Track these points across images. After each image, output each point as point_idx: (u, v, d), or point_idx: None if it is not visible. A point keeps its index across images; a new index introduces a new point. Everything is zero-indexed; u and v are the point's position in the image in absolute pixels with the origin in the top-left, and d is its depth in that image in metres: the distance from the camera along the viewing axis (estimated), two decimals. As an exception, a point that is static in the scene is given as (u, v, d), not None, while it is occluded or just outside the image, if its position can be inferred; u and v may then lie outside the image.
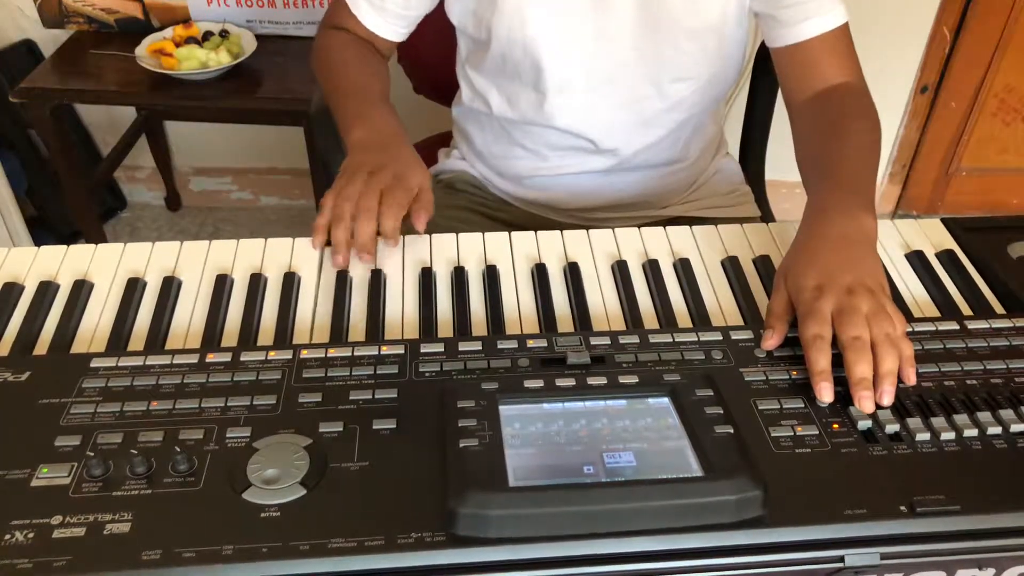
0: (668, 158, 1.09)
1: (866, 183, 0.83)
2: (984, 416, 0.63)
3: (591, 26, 0.95)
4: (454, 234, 0.88)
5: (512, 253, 0.86)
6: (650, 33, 0.96)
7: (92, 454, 0.58)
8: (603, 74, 0.99)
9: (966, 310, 0.80)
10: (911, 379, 0.66)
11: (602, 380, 0.64)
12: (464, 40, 1.07)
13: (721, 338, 0.70)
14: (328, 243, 0.84)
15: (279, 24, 1.82)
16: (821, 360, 0.67)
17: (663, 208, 1.14)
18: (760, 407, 0.64)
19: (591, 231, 0.89)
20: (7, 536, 0.53)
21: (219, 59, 1.67)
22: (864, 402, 0.64)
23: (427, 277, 0.81)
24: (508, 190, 1.15)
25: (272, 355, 0.67)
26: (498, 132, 1.09)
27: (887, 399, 0.64)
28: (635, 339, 0.70)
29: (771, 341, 0.70)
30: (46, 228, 2.04)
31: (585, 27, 0.95)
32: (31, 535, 0.53)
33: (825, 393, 0.65)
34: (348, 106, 0.98)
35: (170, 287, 0.79)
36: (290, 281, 0.80)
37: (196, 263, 0.83)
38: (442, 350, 0.68)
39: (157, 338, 0.74)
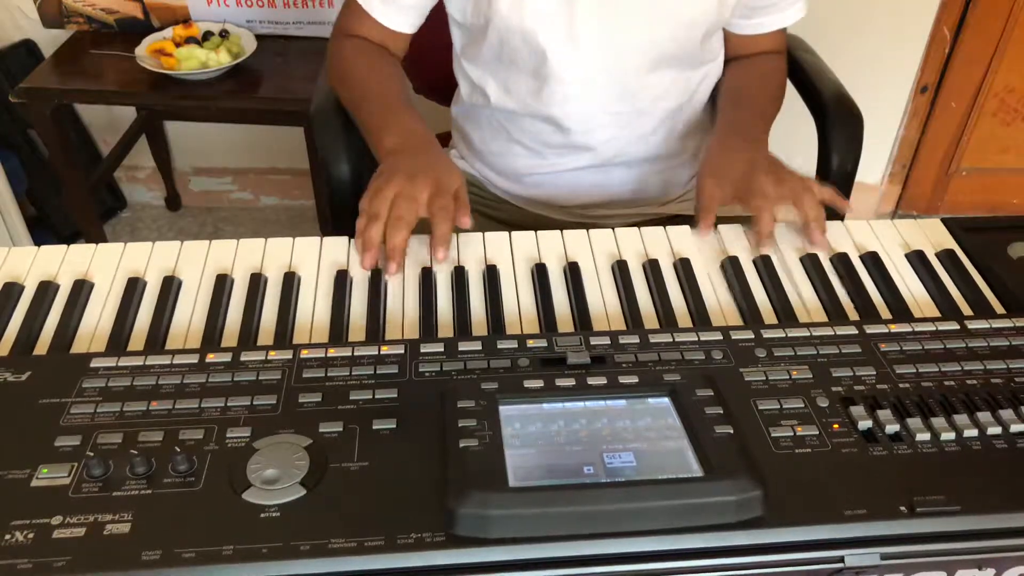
0: (664, 152, 1.10)
1: (767, 119, 1.05)
2: (984, 416, 0.63)
3: (592, 15, 0.95)
4: (454, 234, 0.88)
5: (512, 253, 0.86)
6: (649, 24, 0.97)
7: (92, 454, 0.58)
8: (601, 63, 0.99)
9: (966, 310, 0.80)
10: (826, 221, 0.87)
11: (602, 380, 0.64)
12: (460, 32, 1.07)
13: (721, 338, 0.70)
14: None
15: (279, 24, 1.82)
16: (771, 222, 0.86)
17: (663, 205, 1.14)
18: (760, 407, 0.64)
19: (591, 231, 0.89)
20: (7, 536, 0.53)
21: (219, 59, 1.67)
22: (818, 235, 0.85)
23: (427, 277, 0.81)
24: (507, 188, 1.15)
25: (272, 355, 0.67)
26: (496, 129, 1.09)
27: (821, 232, 0.86)
28: (635, 339, 0.70)
29: (707, 227, 0.88)
30: (46, 228, 2.04)
31: (586, 17, 0.95)
32: (31, 535, 0.53)
33: (771, 248, 0.85)
34: (373, 114, 0.99)
35: (170, 287, 0.79)
36: (290, 281, 0.80)
37: (196, 263, 0.83)
38: (442, 350, 0.68)
39: (157, 338, 0.74)
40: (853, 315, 0.78)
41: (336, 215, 1.09)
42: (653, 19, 0.97)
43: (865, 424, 0.62)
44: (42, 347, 0.73)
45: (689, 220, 0.92)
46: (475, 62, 1.06)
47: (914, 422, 0.62)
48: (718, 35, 1.07)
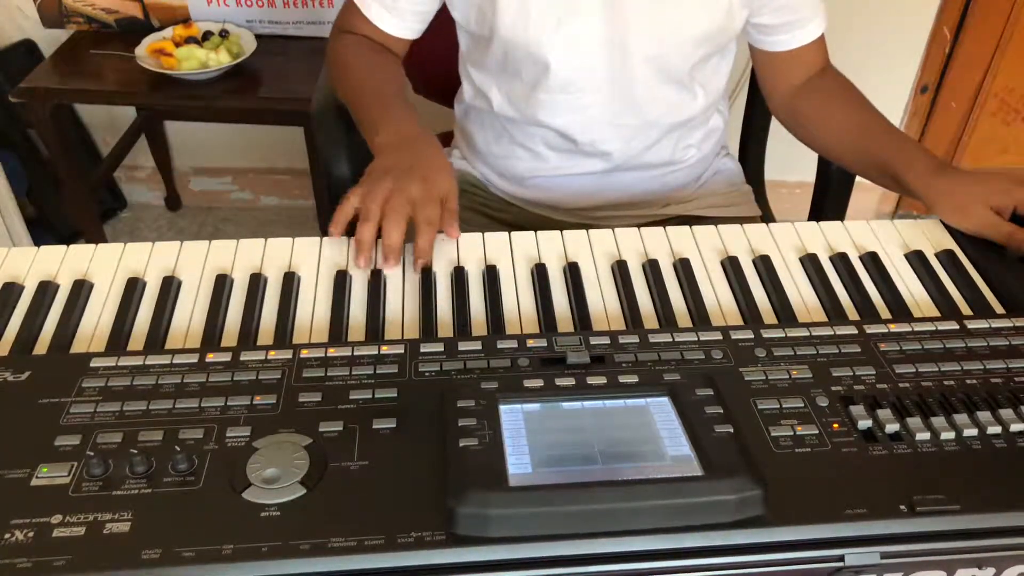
0: (667, 159, 1.10)
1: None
2: (984, 416, 0.63)
3: (598, 30, 0.95)
4: (444, 236, 0.88)
5: (512, 253, 0.86)
6: (657, 39, 0.96)
7: (92, 453, 0.58)
8: (606, 77, 0.99)
9: (966, 310, 0.80)
10: None
11: (602, 380, 0.64)
12: (465, 37, 1.07)
13: (721, 338, 0.70)
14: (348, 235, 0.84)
15: (279, 24, 1.82)
16: None
17: (664, 207, 1.14)
18: (760, 407, 0.64)
19: (591, 231, 0.89)
20: (7, 535, 0.53)
21: (219, 59, 1.67)
22: None
23: (427, 277, 0.81)
24: (508, 190, 1.15)
25: (272, 355, 0.67)
26: (499, 131, 1.09)
27: None
28: (635, 339, 0.70)
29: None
30: (46, 228, 2.04)
31: (592, 31, 0.95)
32: (31, 534, 0.53)
33: None
34: (368, 109, 0.98)
35: (170, 287, 0.79)
36: (290, 281, 0.80)
37: (196, 263, 0.83)
38: (442, 350, 0.68)
39: (157, 338, 0.74)
40: (853, 315, 0.78)
41: (336, 215, 1.09)
42: (660, 35, 0.96)
43: (865, 423, 0.62)
44: (42, 347, 0.73)
45: (690, 221, 0.92)
46: (479, 67, 1.06)
47: (914, 421, 0.62)
48: (728, 53, 1.06)
